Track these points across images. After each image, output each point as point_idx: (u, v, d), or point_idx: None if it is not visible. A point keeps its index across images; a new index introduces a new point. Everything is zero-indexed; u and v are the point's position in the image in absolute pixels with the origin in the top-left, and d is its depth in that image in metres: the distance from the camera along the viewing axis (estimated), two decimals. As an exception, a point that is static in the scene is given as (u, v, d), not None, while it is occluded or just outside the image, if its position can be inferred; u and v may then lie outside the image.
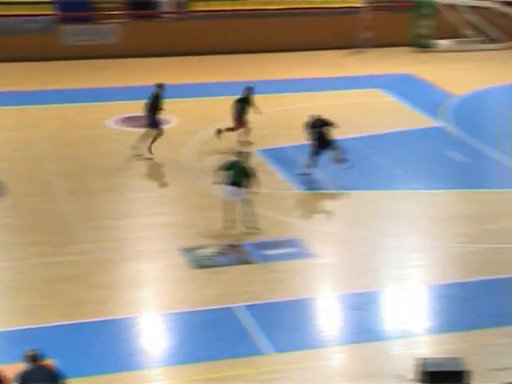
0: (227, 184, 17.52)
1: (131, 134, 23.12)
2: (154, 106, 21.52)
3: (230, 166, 17.61)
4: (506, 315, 14.63)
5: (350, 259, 16.77)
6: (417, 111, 25.95)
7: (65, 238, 17.40)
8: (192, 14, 33.75)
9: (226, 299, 15.06)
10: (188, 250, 16.88)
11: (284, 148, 22.52)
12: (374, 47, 32.85)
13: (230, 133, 22.27)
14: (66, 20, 32.02)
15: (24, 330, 14.01)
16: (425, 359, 11.53)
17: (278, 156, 22.00)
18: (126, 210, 18.89)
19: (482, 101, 27.85)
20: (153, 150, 21.55)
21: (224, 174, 17.59)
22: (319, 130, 20.26)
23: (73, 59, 30.83)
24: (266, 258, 16.66)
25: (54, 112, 25.67)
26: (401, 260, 16.79)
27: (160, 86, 21.69)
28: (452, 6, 34.01)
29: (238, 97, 22.35)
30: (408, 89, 28.47)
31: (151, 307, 15.21)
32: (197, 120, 24.50)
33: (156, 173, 21.08)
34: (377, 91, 27.97)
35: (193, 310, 14.80)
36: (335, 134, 20.52)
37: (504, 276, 16.03)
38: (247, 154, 18.08)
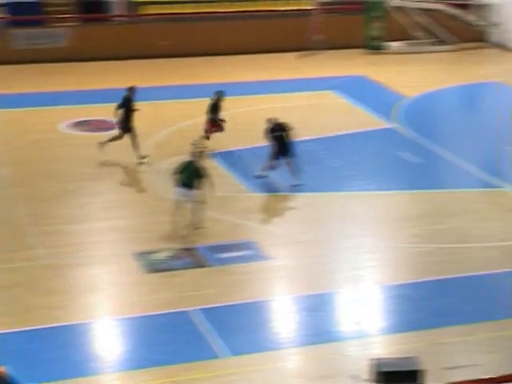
0: (178, 185, 17.65)
1: (84, 138, 22.95)
2: (127, 109, 21.38)
3: (183, 168, 17.74)
4: (458, 314, 14.81)
5: (305, 261, 16.83)
6: (369, 113, 26.14)
7: (18, 243, 17.21)
8: (143, 17, 33.63)
9: (181, 303, 15.02)
10: (142, 255, 16.81)
11: (238, 151, 22.53)
12: (327, 49, 32.99)
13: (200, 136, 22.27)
14: (16, 23, 31.68)
15: (-24, 337, 13.85)
16: (379, 359, 11.59)
17: (232, 159, 22.01)
18: (80, 215, 18.75)
19: (433, 102, 28.13)
20: (104, 150, 21.36)
21: (177, 176, 17.67)
22: (278, 134, 20.29)
23: (23, 63, 30.48)
24: (221, 261, 16.65)
25: (6, 116, 25.38)
26: (355, 261, 16.88)
27: (131, 89, 21.56)
28: (402, 9, 34.33)
29: (210, 102, 22.33)
30: (360, 90, 28.66)
31: (106, 312, 15.11)
32: (149, 123, 24.39)
33: (110, 177, 20.95)
34: (329, 93, 28.11)
35: (147, 314, 14.74)
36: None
37: (455, 275, 16.22)
38: (200, 155, 18.07)
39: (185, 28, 32.83)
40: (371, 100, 27.34)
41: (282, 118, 20.67)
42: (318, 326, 14.45)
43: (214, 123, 22.31)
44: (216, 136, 22.39)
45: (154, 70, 30.38)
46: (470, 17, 34.82)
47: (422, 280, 16.10)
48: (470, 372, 12.80)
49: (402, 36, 34.32)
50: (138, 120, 21.86)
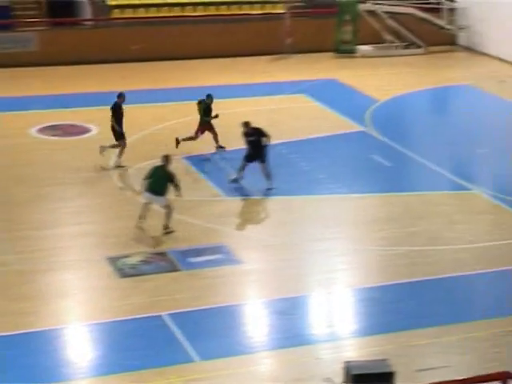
0: (147, 190, 17.77)
1: (54, 142, 22.82)
2: (118, 116, 21.33)
3: (152, 173, 17.87)
4: (429, 316, 14.89)
5: (276, 264, 16.85)
6: (340, 116, 26.23)
7: (-13, 249, 17.11)
8: (113, 21, 33.49)
9: (153, 308, 14.98)
10: (114, 259, 16.75)
11: (209, 155, 22.51)
12: (297, 53, 33.07)
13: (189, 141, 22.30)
14: (-16, 28, 31.51)
15: None
16: (352, 362, 11.64)
17: (204, 163, 22.00)
18: (51, 220, 18.65)
19: (403, 105, 28.29)
20: (121, 161, 21.37)
21: (145, 181, 17.80)
22: (252, 139, 20.30)
23: (-8, 67, 30.33)
24: (193, 266, 16.63)
25: (-25, 121, 25.21)
26: (327, 264, 16.93)
27: (120, 96, 21.50)
28: (373, 12, 34.49)
29: (201, 105, 22.33)
30: (331, 94, 28.74)
31: (77, 318, 15.03)
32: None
33: (81, 181, 20.84)
34: (301, 97, 28.18)
35: (118, 319, 14.68)
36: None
37: (425, 278, 16.31)
38: (168, 159, 18.06)
39: (156, 32, 32.74)
40: (342, 103, 27.43)
41: (254, 122, 20.69)
42: (291, 330, 14.47)
43: (208, 126, 22.30)
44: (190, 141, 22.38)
45: (124, 74, 30.27)
46: (440, 20, 35.05)
47: (392, 282, 16.17)
48: (442, 373, 12.88)
49: (373, 39, 34.47)
50: (104, 124, 21.84)
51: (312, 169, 21.73)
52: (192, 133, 22.28)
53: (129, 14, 33.47)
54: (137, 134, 23.29)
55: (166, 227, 17.82)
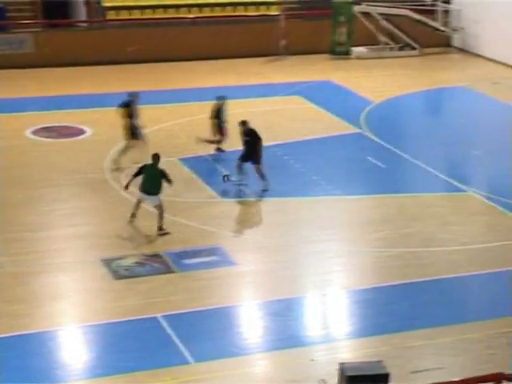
0: (141, 191, 17.90)
1: (49, 144, 22.80)
2: (132, 115, 21.30)
3: (144, 172, 17.93)
4: (423, 317, 14.92)
5: (271, 266, 16.85)
6: (335, 117, 26.25)
7: (-18, 251, 17.09)
8: (109, 22, 33.50)
9: (147, 309, 14.97)
10: (108, 261, 16.74)
11: (204, 156, 22.52)
12: (292, 55, 33.11)
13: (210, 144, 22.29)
14: (-21, 29, 31.50)
15: None
16: (346, 363, 11.65)
17: (199, 164, 21.99)
18: (45, 222, 18.63)
19: (398, 107, 28.31)
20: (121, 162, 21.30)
21: (138, 180, 17.86)
22: (248, 139, 20.30)
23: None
24: (187, 267, 16.63)
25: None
26: (322, 266, 16.94)
27: (133, 95, 21.44)
28: (368, 14, 34.53)
29: (215, 108, 22.27)
30: (326, 95, 28.76)
31: (71, 319, 15.02)
32: (116, 129, 24.26)
33: (75, 183, 20.83)
34: (296, 98, 28.19)
35: (113, 321, 14.68)
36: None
37: (420, 279, 16.33)
38: (158, 157, 18.05)
39: (151, 34, 32.76)
40: (337, 105, 27.45)
41: (249, 124, 20.68)
42: (286, 331, 14.48)
43: (221, 128, 22.27)
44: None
45: (120, 76, 30.27)
46: (434, 22, 35.09)
47: (387, 284, 16.19)
48: (436, 375, 12.89)
49: (368, 41, 34.51)
50: (105, 125, 21.86)
51: (307, 170, 21.74)
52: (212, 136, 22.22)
53: (124, 15, 33.50)
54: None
55: (160, 228, 17.83)
